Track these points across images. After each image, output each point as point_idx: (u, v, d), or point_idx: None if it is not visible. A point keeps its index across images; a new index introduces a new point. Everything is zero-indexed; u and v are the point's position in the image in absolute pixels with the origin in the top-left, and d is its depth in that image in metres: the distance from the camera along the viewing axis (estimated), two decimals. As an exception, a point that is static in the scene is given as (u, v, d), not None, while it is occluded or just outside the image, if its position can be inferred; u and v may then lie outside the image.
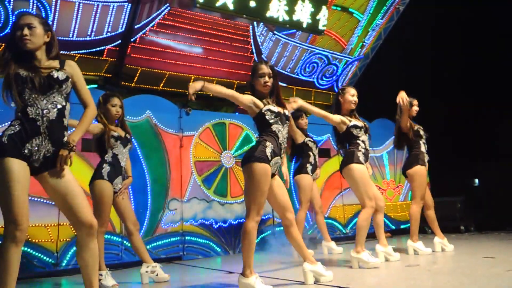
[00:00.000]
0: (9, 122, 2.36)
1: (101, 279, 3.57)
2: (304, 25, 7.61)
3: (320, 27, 7.75)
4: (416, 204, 4.62)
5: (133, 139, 4.10)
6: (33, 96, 2.32)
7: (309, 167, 5.08)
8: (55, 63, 2.46)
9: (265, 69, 3.25)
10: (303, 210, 4.95)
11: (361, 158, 3.94)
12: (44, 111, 2.32)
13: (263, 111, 3.18)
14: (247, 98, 3.22)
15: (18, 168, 2.24)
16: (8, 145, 2.25)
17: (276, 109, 3.21)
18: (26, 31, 2.36)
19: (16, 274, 2.26)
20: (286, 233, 3.27)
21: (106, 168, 3.65)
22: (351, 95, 4.10)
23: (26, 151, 2.28)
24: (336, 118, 4.05)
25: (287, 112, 3.32)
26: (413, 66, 8.03)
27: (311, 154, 5.17)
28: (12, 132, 2.28)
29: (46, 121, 2.32)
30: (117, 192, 3.78)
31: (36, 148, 2.30)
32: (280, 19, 7.34)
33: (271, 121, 3.17)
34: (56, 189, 2.34)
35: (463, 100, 7.21)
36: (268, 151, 3.07)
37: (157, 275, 3.79)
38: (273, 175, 3.19)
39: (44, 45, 2.44)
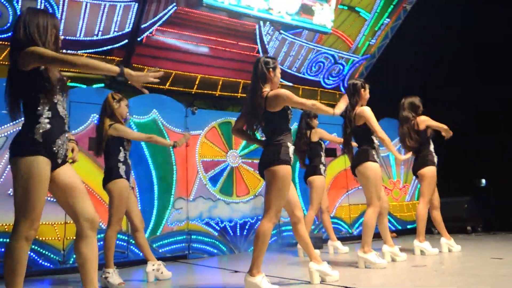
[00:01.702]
0: (24, 120, 2.37)
1: (108, 276, 3.59)
2: (255, 12, 6.97)
3: (275, 14, 7.22)
4: (424, 204, 4.60)
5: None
6: (60, 96, 2.41)
7: (322, 168, 5.09)
8: None
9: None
10: (313, 210, 4.95)
11: (375, 156, 3.92)
12: (66, 111, 2.45)
13: (285, 107, 3.16)
14: None
15: (46, 168, 2.29)
16: (42, 143, 2.30)
17: None
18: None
19: (24, 272, 2.27)
20: (294, 230, 3.28)
21: (122, 168, 3.71)
22: (368, 94, 4.16)
23: (55, 148, 2.34)
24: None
25: None
26: (420, 65, 7.98)
27: (322, 154, 5.18)
28: (44, 130, 2.32)
29: (67, 120, 2.44)
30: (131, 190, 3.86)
31: (61, 144, 2.37)
32: (226, 3, 6.72)
33: (289, 117, 3.18)
34: (65, 183, 2.37)
35: (471, 99, 7.16)
36: (291, 152, 3.07)
37: (162, 273, 3.82)
38: None
39: None
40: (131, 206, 3.85)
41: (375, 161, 3.89)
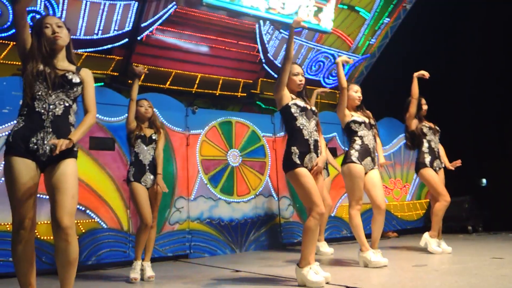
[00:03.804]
0: (16, 121, 2.37)
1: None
2: (254, 11, 6.90)
3: (275, 13, 7.14)
4: (437, 201, 4.66)
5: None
6: (43, 91, 2.34)
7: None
8: (72, 67, 2.51)
9: (299, 68, 3.39)
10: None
11: (354, 156, 3.94)
12: (51, 106, 2.33)
13: (289, 104, 3.28)
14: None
15: (21, 167, 2.23)
16: (13, 143, 2.26)
17: (302, 103, 3.29)
18: (57, 29, 2.43)
19: (27, 268, 2.28)
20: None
21: (131, 171, 3.88)
22: (355, 92, 4.14)
23: (31, 145, 2.27)
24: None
25: (314, 108, 3.38)
26: (420, 65, 7.98)
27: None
28: (17, 128, 2.29)
29: (52, 116, 2.32)
30: (151, 187, 3.93)
31: (41, 141, 2.29)
32: (225, 2, 6.67)
33: (295, 114, 3.25)
34: (51, 182, 2.29)
35: (471, 98, 7.17)
36: (296, 158, 3.16)
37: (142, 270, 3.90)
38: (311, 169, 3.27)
39: (65, 47, 2.53)
40: (154, 203, 3.98)
41: (353, 162, 3.93)
